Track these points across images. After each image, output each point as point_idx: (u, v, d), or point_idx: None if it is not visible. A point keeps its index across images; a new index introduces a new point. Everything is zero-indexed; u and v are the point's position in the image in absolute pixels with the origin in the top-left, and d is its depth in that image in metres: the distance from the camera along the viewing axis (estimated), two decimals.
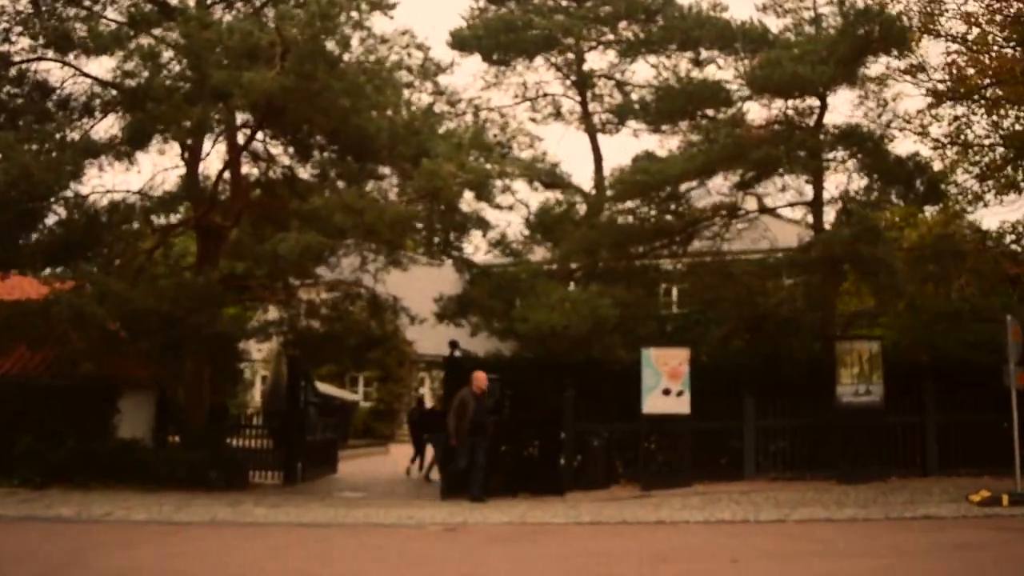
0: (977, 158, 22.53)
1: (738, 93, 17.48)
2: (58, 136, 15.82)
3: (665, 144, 26.12)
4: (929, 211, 23.34)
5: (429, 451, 19.25)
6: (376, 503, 14.71)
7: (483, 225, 17.92)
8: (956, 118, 22.18)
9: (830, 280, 17.52)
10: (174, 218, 18.95)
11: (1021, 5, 18.60)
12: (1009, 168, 22.34)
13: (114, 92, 17.02)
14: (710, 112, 18.04)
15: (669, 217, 18.26)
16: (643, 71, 66.67)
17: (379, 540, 10.96)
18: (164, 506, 13.32)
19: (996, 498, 12.31)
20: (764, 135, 16.49)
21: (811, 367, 16.52)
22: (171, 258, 20.23)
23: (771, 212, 19.49)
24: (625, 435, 15.76)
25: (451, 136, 16.73)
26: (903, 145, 57.35)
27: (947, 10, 20.10)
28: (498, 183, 16.81)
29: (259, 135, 17.75)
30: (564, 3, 23.38)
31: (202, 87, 15.01)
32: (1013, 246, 22.21)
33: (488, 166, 16.13)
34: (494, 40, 21.70)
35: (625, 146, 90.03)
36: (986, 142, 22.41)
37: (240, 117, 17.07)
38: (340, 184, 17.02)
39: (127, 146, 16.54)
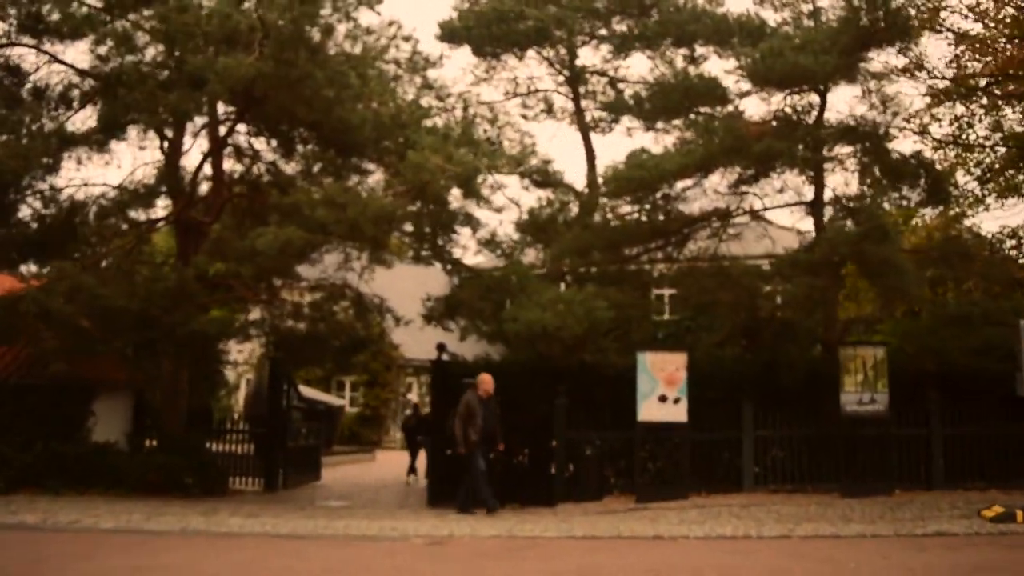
0: (978, 158, 22.20)
1: (735, 89, 16.97)
2: (34, 126, 15.29)
3: (660, 142, 25.74)
4: (928, 214, 22.94)
5: (422, 455, 18.62)
6: (359, 513, 14.14)
7: (472, 223, 17.36)
8: (956, 118, 21.86)
9: (832, 283, 16.92)
10: (154, 214, 18.32)
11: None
12: (1011, 171, 22.03)
13: (93, 82, 16.38)
14: (706, 109, 17.49)
15: (663, 218, 17.65)
16: (637, 67, 66.58)
17: (358, 553, 10.33)
18: (135, 514, 12.77)
19: (1010, 514, 11.69)
20: (765, 128, 15.96)
21: (811, 374, 15.86)
22: (157, 256, 19.61)
23: (766, 220, 18.95)
24: (619, 444, 15.19)
25: (439, 130, 16.16)
26: (904, 145, 57.14)
27: (949, 6, 19.76)
28: (488, 179, 16.30)
29: (241, 128, 17.17)
30: None
31: (179, 73, 14.44)
32: (1012, 252, 21.85)
33: (477, 161, 15.50)
34: (485, 31, 21.16)
35: (618, 145, 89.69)
36: (987, 143, 22.08)
37: (221, 109, 16.55)
38: (324, 179, 16.42)
39: (101, 135, 15.94)
